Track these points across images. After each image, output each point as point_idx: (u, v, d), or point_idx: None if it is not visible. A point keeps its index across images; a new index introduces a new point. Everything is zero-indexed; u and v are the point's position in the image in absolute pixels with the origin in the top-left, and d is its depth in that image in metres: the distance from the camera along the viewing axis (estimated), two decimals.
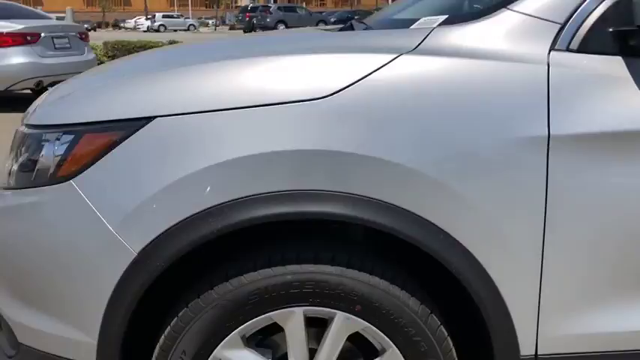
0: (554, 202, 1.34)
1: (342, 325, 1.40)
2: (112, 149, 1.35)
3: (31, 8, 9.97)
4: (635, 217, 1.36)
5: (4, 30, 7.78)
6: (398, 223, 1.33)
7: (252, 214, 1.30)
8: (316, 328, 1.46)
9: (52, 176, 1.40)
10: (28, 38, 7.93)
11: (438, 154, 1.32)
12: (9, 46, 7.79)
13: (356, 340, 1.51)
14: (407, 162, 1.31)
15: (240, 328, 1.38)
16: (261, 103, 1.32)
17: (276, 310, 1.38)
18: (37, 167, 1.43)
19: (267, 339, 1.52)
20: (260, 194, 1.31)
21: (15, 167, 1.50)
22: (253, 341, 1.48)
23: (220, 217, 1.30)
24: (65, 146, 1.39)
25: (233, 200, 1.31)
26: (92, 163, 1.36)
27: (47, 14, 9.99)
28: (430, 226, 1.33)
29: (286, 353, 1.46)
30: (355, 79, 1.32)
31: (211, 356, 1.40)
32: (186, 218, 1.31)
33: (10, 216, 1.47)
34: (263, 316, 1.38)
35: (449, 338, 1.44)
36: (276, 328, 1.49)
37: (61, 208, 1.38)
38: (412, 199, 1.33)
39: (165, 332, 1.40)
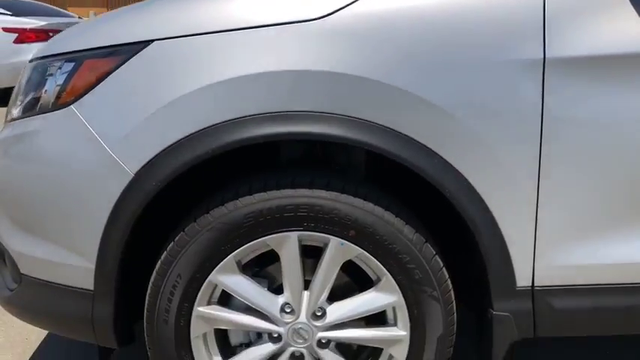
0: (550, 126, 1.33)
1: (337, 250, 1.40)
2: (111, 73, 1.38)
3: (54, 7, 10.17)
4: (633, 143, 1.35)
5: (28, 26, 7.97)
6: (392, 145, 1.33)
7: (247, 134, 1.32)
8: (312, 259, 1.47)
9: (54, 103, 1.44)
10: (50, 34, 8.09)
11: (433, 76, 1.32)
12: (32, 41, 7.95)
13: (352, 274, 1.52)
14: (402, 84, 1.32)
15: (235, 252, 1.39)
16: (255, 25, 1.33)
17: (271, 234, 1.39)
18: (41, 96, 1.47)
19: (263, 270, 1.53)
20: (256, 114, 1.32)
21: (20, 103, 1.54)
22: (250, 272, 1.48)
23: (215, 136, 1.32)
24: (67, 73, 1.43)
25: (228, 120, 1.32)
26: (92, 88, 1.39)
27: (70, 13, 10.19)
28: (425, 150, 1.34)
29: (282, 284, 1.46)
30: (352, 0, 1.33)
31: (207, 281, 1.41)
32: (182, 139, 1.33)
33: (14, 144, 1.51)
34: (258, 240, 1.39)
35: (444, 269, 1.43)
36: (272, 260, 1.50)
37: (63, 133, 1.42)
38: (408, 121, 1.33)
39: (162, 257, 1.41)
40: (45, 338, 2.13)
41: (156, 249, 1.48)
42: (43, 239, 1.48)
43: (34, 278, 1.53)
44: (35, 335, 2.16)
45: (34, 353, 2.05)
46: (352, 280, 1.53)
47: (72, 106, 1.40)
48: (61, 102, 1.43)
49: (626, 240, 1.41)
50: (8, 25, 7.88)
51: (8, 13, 8.25)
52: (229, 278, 1.42)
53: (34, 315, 1.59)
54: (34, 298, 1.55)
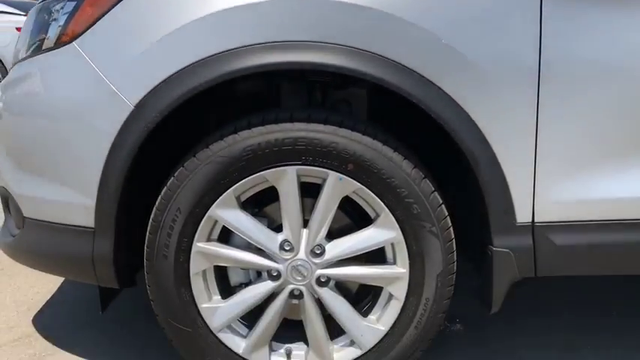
0: (548, 55, 1.32)
1: (335, 185, 1.40)
2: (111, 9, 1.39)
3: None
4: (635, 71, 1.34)
5: None
6: (392, 76, 1.33)
7: (245, 63, 1.33)
8: (311, 199, 1.46)
9: (57, 41, 1.46)
10: None
11: (432, 5, 1.32)
12: None
13: (352, 216, 1.53)
14: (401, 13, 1.31)
15: (234, 186, 1.40)
16: None
17: (270, 168, 1.39)
18: (45, 35, 1.49)
19: (262, 211, 1.53)
20: (255, 44, 1.33)
21: (27, 45, 1.57)
22: (250, 212, 1.48)
23: (213, 67, 1.33)
24: (69, 12, 1.45)
25: (226, 51, 1.33)
26: (93, 25, 1.41)
27: None
28: (423, 81, 1.33)
29: (281, 225, 1.46)
30: None
31: (206, 216, 1.41)
32: (180, 70, 1.34)
33: (19, 84, 1.53)
34: (257, 174, 1.39)
35: (444, 206, 1.43)
36: (271, 200, 1.51)
37: (65, 70, 1.43)
38: (406, 52, 1.33)
39: (162, 192, 1.42)
40: (49, 299, 2.15)
41: (158, 190, 1.49)
42: (46, 179, 1.49)
43: (37, 220, 1.55)
44: (40, 296, 2.18)
45: (38, 311, 2.06)
46: (352, 223, 1.53)
47: (74, 42, 1.42)
48: (63, 40, 1.44)
49: (628, 174, 1.39)
50: (21, 25, 7.99)
51: (22, 13, 8.37)
52: (228, 213, 1.42)
53: (37, 257, 1.60)
54: (37, 240, 1.56)
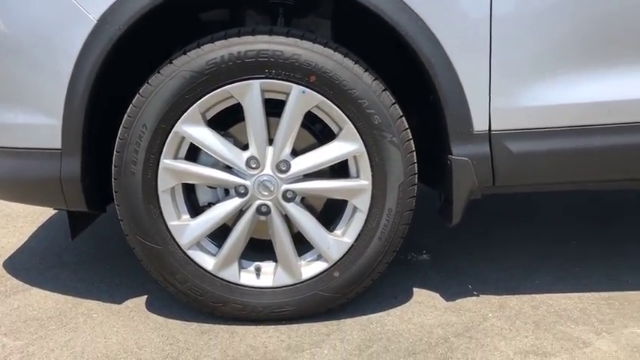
0: None
1: (298, 99, 1.44)
2: None
3: None
4: None
5: None
6: None
7: None
8: (276, 118, 1.49)
9: None
10: None
11: None
12: None
13: (318, 137, 1.57)
14: None
15: (199, 101, 1.42)
16: None
17: (234, 82, 1.42)
18: None
19: (228, 132, 1.55)
20: None
21: None
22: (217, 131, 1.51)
23: None
24: None
25: None
26: None
27: None
28: None
29: (247, 145, 1.49)
30: None
31: (172, 132, 1.44)
32: None
33: None
34: (221, 89, 1.42)
35: (404, 119, 1.47)
36: (237, 121, 1.54)
37: None
38: None
39: (128, 110, 1.44)
40: (19, 247, 2.15)
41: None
42: (11, 102, 1.49)
43: (3, 148, 1.55)
44: (11, 245, 2.17)
45: (9, 257, 2.06)
46: (318, 144, 1.56)
47: None
48: None
49: (581, 81, 1.45)
50: None
51: None
52: (194, 129, 1.44)
53: (5, 186, 1.60)
54: (4, 168, 1.56)
